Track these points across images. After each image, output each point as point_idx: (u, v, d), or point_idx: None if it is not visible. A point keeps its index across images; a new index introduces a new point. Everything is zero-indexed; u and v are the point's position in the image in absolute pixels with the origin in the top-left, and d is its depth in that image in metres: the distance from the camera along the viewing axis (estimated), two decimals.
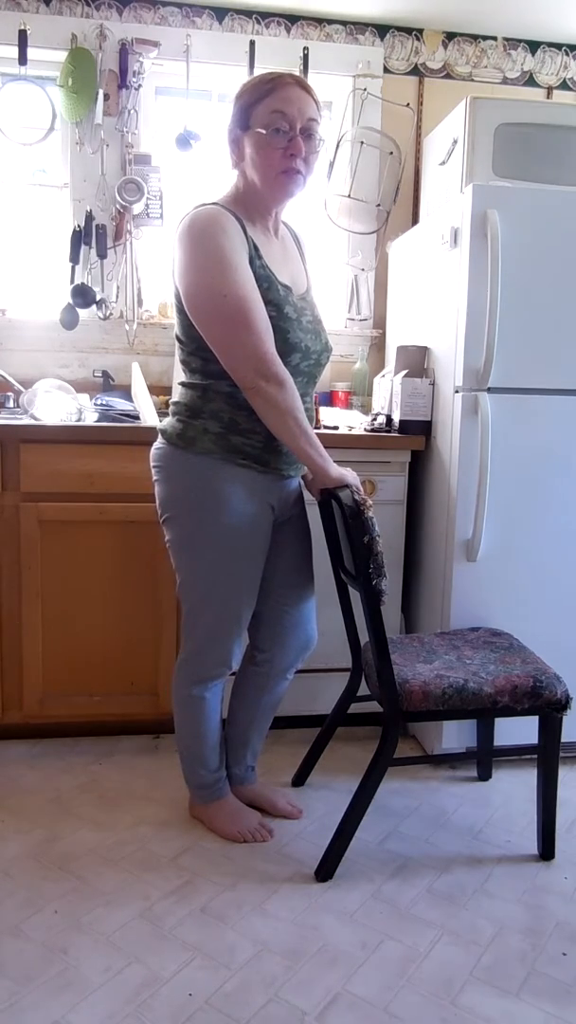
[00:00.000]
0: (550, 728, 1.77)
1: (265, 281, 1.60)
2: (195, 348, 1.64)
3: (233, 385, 1.61)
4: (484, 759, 2.17)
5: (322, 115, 1.63)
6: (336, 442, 2.25)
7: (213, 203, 1.62)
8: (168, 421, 1.72)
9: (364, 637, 1.95)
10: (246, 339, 1.53)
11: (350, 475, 1.70)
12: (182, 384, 1.72)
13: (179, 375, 1.75)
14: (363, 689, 1.95)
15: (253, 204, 1.66)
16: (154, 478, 1.73)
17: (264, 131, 1.57)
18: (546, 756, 1.78)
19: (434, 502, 2.28)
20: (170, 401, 1.79)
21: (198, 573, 1.70)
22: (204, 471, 1.65)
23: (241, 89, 1.63)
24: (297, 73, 2.73)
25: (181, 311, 1.63)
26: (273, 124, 1.57)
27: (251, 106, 1.59)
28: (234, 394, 1.63)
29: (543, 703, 1.73)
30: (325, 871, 1.72)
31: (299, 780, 2.12)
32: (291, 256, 1.77)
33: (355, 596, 1.86)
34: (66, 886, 1.67)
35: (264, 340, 1.54)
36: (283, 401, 1.56)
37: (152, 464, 1.74)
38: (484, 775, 2.17)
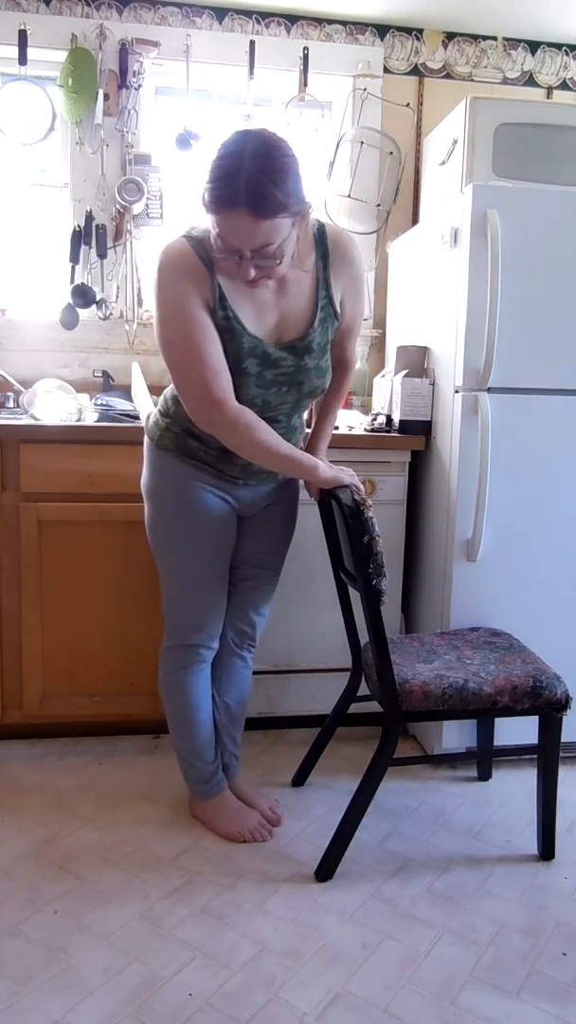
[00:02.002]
0: (550, 728, 1.77)
1: (227, 332, 1.55)
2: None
3: None
4: (484, 759, 2.17)
5: (288, 221, 1.43)
6: (336, 442, 2.24)
7: (191, 236, 1.54)
8: (153, 412, 1.81)
9: (364, 637, 1.95)
10: (193, 387, 1.56)
11: (347, 475, 1.70)
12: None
13: None
14: (362, 689, 1.95)
15: None
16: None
17: (213, 240, 1.47)
18: (546, 756, 1.78)
19: (434, 502, 2.28)
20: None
21: (166, 557, 1.78)
22: (164, 464, 1.73)
23: (212, 159, 1.43)
24: (300, 71, 2.74)
25: None
26: (220, 245, 1.46)
27: (205, 203, 1.44)
28: None
29: (543, 703, 1.73)
30: (325, 871, 1.72)
31: (299, 780, 2.12)
32: (293, 297, 1.62)
33: (355, 596, 1.86)
34: (66, 886, 1.67)
35: (211, 387, 1.53)
36: (243, 440, 1.59)
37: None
38: (484, 775, 2.17)
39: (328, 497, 1.71)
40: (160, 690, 1.86)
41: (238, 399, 1.59)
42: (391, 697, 1.68)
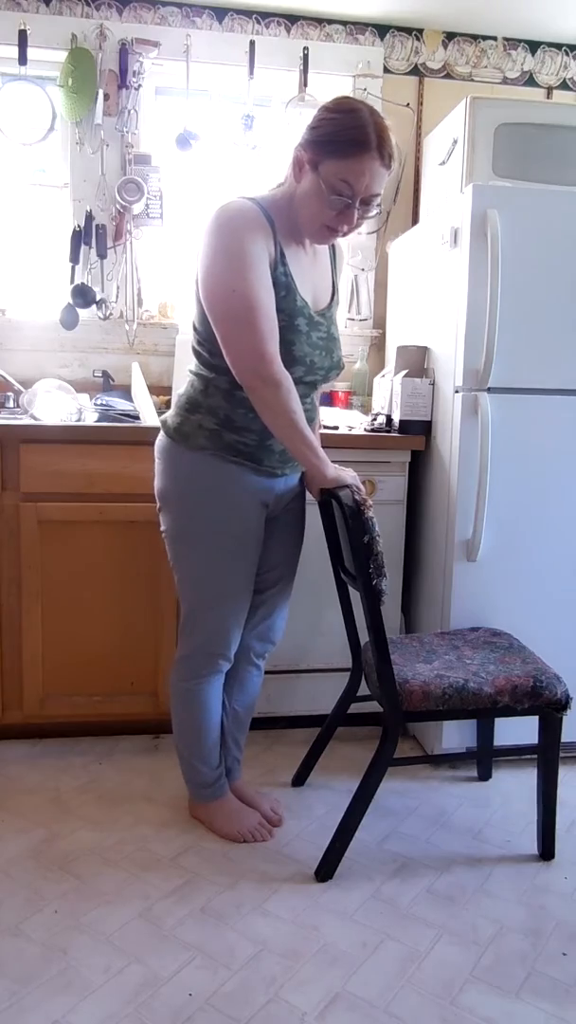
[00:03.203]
0: (550, 728, 1.77)
1: (284, 289, 1.60)
2: (205, 338, 1.64)
3: (233, 381, 1.61)
4: (484, 759, 2.17)
5: (391, 173, 1.59)
6: (336, 442, 2.25)
7: (252, 198, 1.59)
8: (169, 413, 1.75)
9: (364, 637, 1.95)
10: (248, 337, 1.53)
11: (349, 475, 1.70)
12: (190, 375, 1.74)
13: (190, 362, 1.77)
14: (363, 689, 1.95)
15: (290, 218, 1.63)
16: (156, 469, 1.76)
17: (326, 188, 1.54)
18: (546, 756, 1.78)
19: (434, 502, 2.28)
20: (175, 391, 1.81)
21: (192, 565, 1.73)
22: (197, 466, 1.67)
23: (327, 117, 1.55)
24: (300, 71, 2.74)
25: (197, 299, 1.63)
26: (337, 189, 1.53)
27: (326, 152, 1.52)
28: (233, 391, 1.64)
29: (543, 703, 1.73)
30: (325, 871, 1.72)
31: (299, 780, 2.12)
32: (321, 270, 1.74)
33: (355, 596, 1.86)
34: (66, 886, 1.67)
35: (266, 340, 1.53)
36: (279, 403, 1.56)
37: (156, 456, 1.77)
38: (484, 775, 2.17)
39: (328, 497, 1.71)
40: (172, 695, 1.83)
41: (290, 356, 1.61)
42: (391, 697, 1.68)
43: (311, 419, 1.75)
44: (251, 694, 1.95)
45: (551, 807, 1.79)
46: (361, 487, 1.67)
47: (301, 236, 1.66)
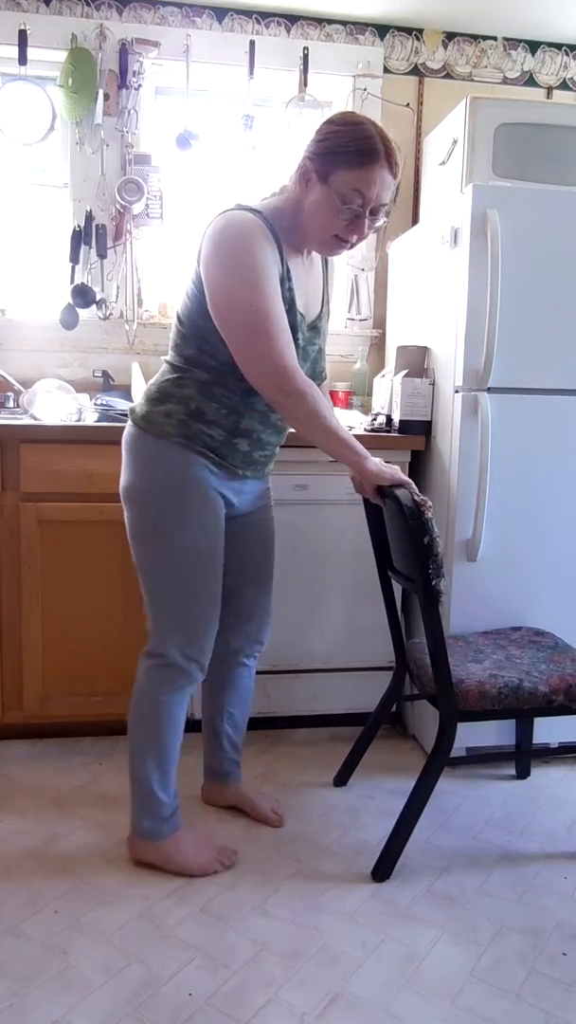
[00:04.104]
0: None
1: (288, 303, 1.60)
2: (193, 334, 1.61)
3: (213, 376, 1.60)
4: (523, 758, 2.18)
5: (398, 185, 1.62)
6: None
7: (254, 209, 1.58)
8: (138, 402, 1.71)
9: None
10: (267, 351, 1.51)
11: (393, 472, 1.64)
12: (165, 365, 1.70)
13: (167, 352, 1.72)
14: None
15: (293, 230, 1.62)
16: (122, 463, 1.71)
17: (336, 198, 1.54)
18: None
19: (434, 502, 2.28)
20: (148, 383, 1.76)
21: (163, 562, 1.65)
22: (163, 453, 1.63)
23: (333, 129, 1.56)
24: (300, 71, 2.74)
25: (193, 296, 1.60)
26: (348, 199, 1.54)
27: (336, 162, 1.53)
28: (211, 385, 1.61)
29: None
30: (383, 871, 1.72)
31: (341, 779, 2.11)
32: (314, 281, 1.74)
33: (399, 593, 1.82)
34: (66, 886, 1.67)
35: (285, 353, 1.52)
36: (305, 412, 1.55)
37: (123, 447, 1.72)
38: (523, 773, 2.18)
39: (381, 496, 1.66)
40: (138, 712, 1.70)
41: None
42: (448, 697, 1.67)
43: (282, 426, 1.74)
44: (246, 696, 1.94)
45: None
46: (415, 485, 1.64)
47: (301, 247, 1.65)
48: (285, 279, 1.59)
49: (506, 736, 2.18)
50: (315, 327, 1.73)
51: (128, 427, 1.69)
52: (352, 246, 1.64)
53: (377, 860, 1.73)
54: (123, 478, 1.69)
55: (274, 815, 1.92)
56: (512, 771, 2.20)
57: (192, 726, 2.37)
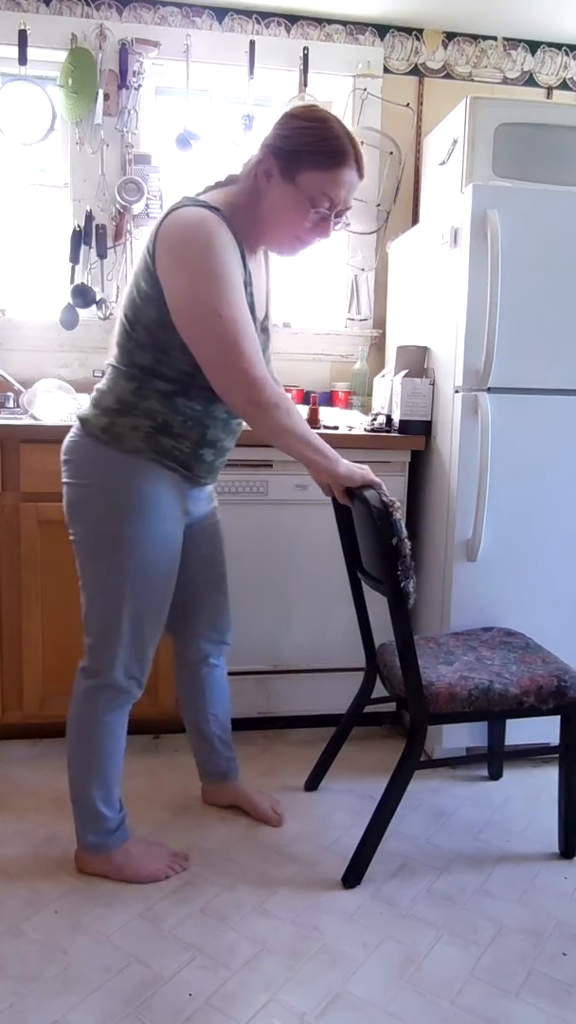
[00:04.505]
0: (574, 727, 1.77)
1: (249, 308, 1.52)
2: (146, 342, 1.52)
3: (172, 386, 1.54)
4: (495, 760, 2.18)
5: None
6: (336, 442, 2.23)
7: (211, 206, 1.47)
8: (92, 412, 1.58)
9: (379, 638, 1.95)
10: (237, 362, 1.44)
11: (363, 473, 1.63)
12: (116, 371, 1.58)
13: (110, 356, 1.62)
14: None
15: (249, 226, 1.54)
16: (66, 473, 1.60)
17: (305, 199, 1.48)
18: (569, 756, 1.78)
19: (434, 502, 2.28)
20: (97, 387, 1.62)
21: (116, 578, 1.58)
22: (128, 469, 1.54)
23: (299, 125, 1.48)
24: (300, 71, 2.74)
25: (147, 300, 1.49)
26: (316, 202, 1.48)
27: (304, 162, 1.47)
28: (173, 397, 1.54)
29: (568, 702, 1.73)
30: (353, 877, 1.70)
31: (312, 785, 2.09)
32: (262, 281, 1.66)
33: (370, 596, 1.84)
34: (66, 886, 1.67)
35: (255, 363, 1.45)
36: (278, 424, 1.49)
37: (65, 457, 1.61)
38: (495, 774, 2.18)
39: (350, 497, 1.66)
40: (78, 731, 1.66)
41: None
42: (418, 700, 1.66)
43: (239, 429, 1.70)
44: (224, 695, 1.91)
45: (574, 805, 1.80)
46: (384, 487, 1.62)
47: (257, 246, 1.59)
48: (247, 283, 1.53)
49: (508, 736, 2.18)
50: (265, 329, 1.66)
51: (79, 438, 1.58)
52: (310, 243, 1.58)
53: (347, 866, 1.72)
54: (75, 489, 1.59)
55: (274, 814, 1.92)
56: (512, 771, 2.20)
57: None
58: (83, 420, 1.59)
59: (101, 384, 1.62)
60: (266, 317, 1.68)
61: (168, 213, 1.48)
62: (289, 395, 1.61)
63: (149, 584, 1.59)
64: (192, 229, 1.44)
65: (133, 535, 1.55)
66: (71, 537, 1.63)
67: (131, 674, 1.64)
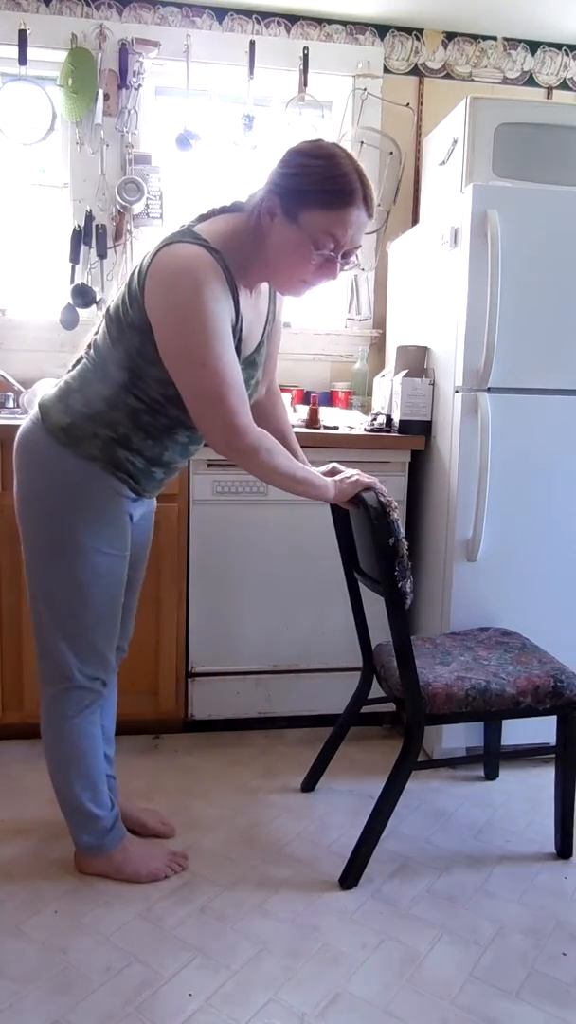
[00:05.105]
0: (570, 727, 1.77)
1: (238, 344, 1.49)
2: (125, 364, 1.49)
3: (142, 405, 1.51)
4: (491, 760, 2.17)
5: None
6: (336, 442, 2.25)
7: (207, 245, 1.42)
8: (56, 405, 1.54)
9: (376, 638, 1.95)
10: (219, 411, 1.42)
11: (365, 477, 1.63)
12: (90, 372, 1.55)
13: (86, 348, 1.60)
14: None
15: (249, 262, 1.48)
16: (18, 465, 1.57)
17: (308, 241, 1.42)
18: (566, 755, 1.79)
19: (434, 502, 2.28)
20: (66, 379, 1.58)
21: (72, 581, 1.55)
22: (84, 475, 1.52)
23: (304, 163, 1.41)
24: (300, 71, 2.74)
25: (133, 328, 1.46)
26: (320, 244, 1.42)
27: (309, 203, 1.40)
28: (139, 412, 1.51)
29: (564, 702, 1.73)
30: (351, 879, 1.70)
31: (308, 785, 2.09)
32: (257, 315, 1.60)
33: (367, 596, 1.84)
34: (66, 886, 1.67)
35: (237, 412, 1.42)
36: (259, 467, 1.48)
37: (19, 447, 1.56)
38: (491, 775, 2.17)
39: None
40: (52, 740, 1.64)
41: None
42: (415, 700, 1.66)
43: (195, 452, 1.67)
44: (112, 708, 1.84)
45: (570, 804, 1.80)
46: (383, 488, 1.62)
47: (255, 283, 1.54)
48: (236, 322, 1.48)
49: (509, 736, 2.18)
50: (252, 362, 1.59)
51: (37, 431, 1.54)
52: (314, 286, 1.51)
53: (345, 867, 1.71)
54: (31, 484, 1.55)
55: (163, 825, 1.87)
56: (513, 771, 2.20)
57: (192, 726, 2.38)
58: (44, 412, 1.55)
59: (71, 378, 1.57)
60: (257, 350, 1.60)
61: (162, 247, 1.43)
62: (286, 396, 1.60)
63: (104, 587, 1.57)
64: (182, 274, 1.39)
65: (87, 542, 1.53)
66: (21, 534, 1.59)
67: (94, 675, 1.62)
